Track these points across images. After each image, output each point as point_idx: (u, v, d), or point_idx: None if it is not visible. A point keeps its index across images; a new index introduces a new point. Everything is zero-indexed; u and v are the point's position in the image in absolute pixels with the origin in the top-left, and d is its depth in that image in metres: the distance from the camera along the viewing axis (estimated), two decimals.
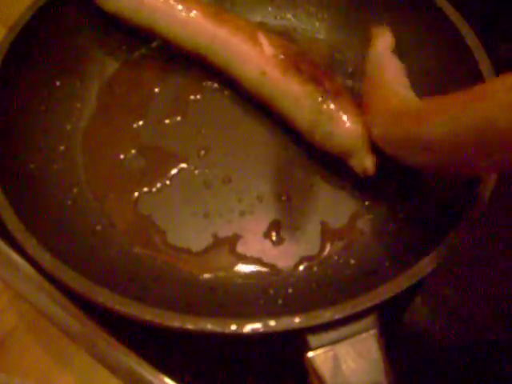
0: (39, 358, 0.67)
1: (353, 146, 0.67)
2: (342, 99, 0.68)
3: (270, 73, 0.71)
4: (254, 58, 0.72)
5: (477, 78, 0.68)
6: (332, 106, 0.67)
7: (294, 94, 0.69)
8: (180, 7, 0.76)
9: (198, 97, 0.81)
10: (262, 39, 0.72)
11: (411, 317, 0.73)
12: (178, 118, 0.79)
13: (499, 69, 0.69)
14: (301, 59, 0.72)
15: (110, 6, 0.80)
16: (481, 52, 0.70)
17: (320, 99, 0.68)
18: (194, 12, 0.76)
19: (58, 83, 0.78)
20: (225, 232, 0.68)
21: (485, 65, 0.68)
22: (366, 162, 0.66)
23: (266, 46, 0.71)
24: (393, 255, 0.63)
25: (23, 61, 0.74)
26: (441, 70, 0.75)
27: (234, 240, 0.68)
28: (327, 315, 0.50)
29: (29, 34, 0.74)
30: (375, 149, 0.66)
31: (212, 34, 0.75)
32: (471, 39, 0.71)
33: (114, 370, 0.62)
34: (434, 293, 0.73)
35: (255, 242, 0.68)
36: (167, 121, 0.78)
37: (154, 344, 0.65)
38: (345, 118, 0.67)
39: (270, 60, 0.71)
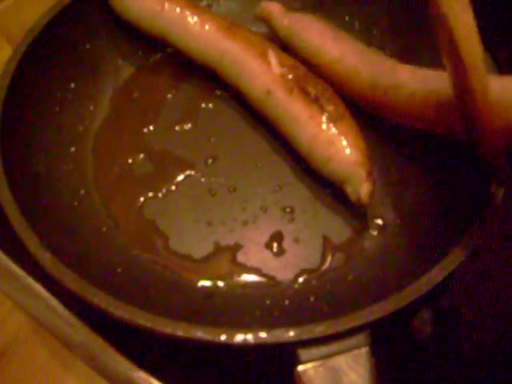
0: (41, 367, 0.68)
1: (349, 173, 0.66)
2: (344, 125, 0.68)
3: (274, 92, 0.71)
4: (261, 75, 0.73)
5: None
6: (332, 131, 0.67)
7: (296, 115, 0.70)
8: (195, 19, 0.78)
9: (210, 105, 0.82)
10: (272, 58, 0.72)
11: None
12: (189, 125, 0.80)
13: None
14: (308, 80, 0.72)
15: (128, 14, 0.81)
16: None
17: (321, 123, 0.68)
18: (208, 26, 0.77)
19: (72, 85, 0.80)
20: (226, 240, 0.69)
21: None
22: (360, 191, 0.65)
23: (275, 65, 0.72)
24: (392, 273, 0.63)
25: (40, 62, 0.75)
26: None
27: (235, 249, 0.68)
28: (319, 330, 0.50)
29: (46, 37, 0.76)
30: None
31: (223, 49, 0.76)
32: None
33: (113, 381, 0.62)
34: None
35: (256, 252, 0.68)
36: (177, 127, 0.79)
37: (153, 355, 0.65)
38: (344, 144, 0.67)
39: (276, 79, 0.72)
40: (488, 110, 0.51)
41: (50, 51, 0.77)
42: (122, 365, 0.62)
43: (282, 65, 0.72)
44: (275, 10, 0.83)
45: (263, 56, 0.73)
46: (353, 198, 0.66)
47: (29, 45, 0.73)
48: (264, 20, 0.85)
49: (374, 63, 0.73)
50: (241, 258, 0.68)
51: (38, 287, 0.66)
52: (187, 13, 0.78)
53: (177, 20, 0.78)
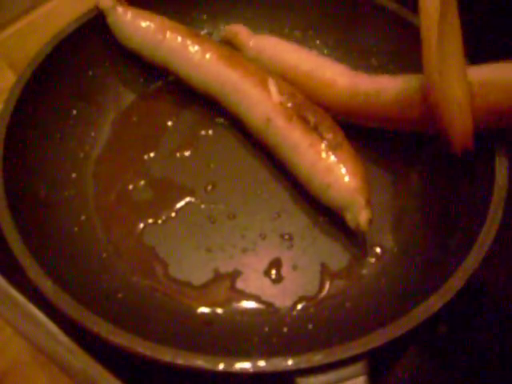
0: None
1: (348, 200, 0.67)
2: (343, 152, 0.69)
3: (274, 120, 0.73)
4: (261, 103, 0.74)
5: None
6: (331, 159, 0.69)
7: (295, 143, 0.71)
8: (196, 48, 0.79)
9: (210, 132, 0.83)
10: (272, 86, 0.74)
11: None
12: (189, 152, 0.81)
13: None
14: (307, 108, 0.73)
15: (130, 43, 0.82)
16: None
17: (320, 151, 0.69)
18: (209, 55, 0.79)
19: (74, 112, 0.81)
20: (226, 267, 0.69)
21: None
22: (359, 219, 0.66)
23: (274, 93, 0.73)
24: (390, 301, 0.64)
25: (43, 90, 0.77)
26: None
27: (234, 275, 0.69)
28: (317, 359, 0.51)
29: (50, 65, 0.77)
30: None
31: (223, 77, 0.77)
32: None
33: None
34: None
35: (255, 279, 0.69)
36: (178, 154, 0.80)
37: (152, 381, 0.66)
38: (343, 171, 0.68)
39: (276, 107, 0.73)
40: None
41: (53, 79, 0.78)
42: None
43: (281, 93, 0.74)
44: (241, 32, 0.86)
45: (263, 84, 0.75)
46: (352, 224, 0.67)
47: (32, 72, 0.75)
48: (231, 42, 0.87)
49: (349, 72, 0.76)
50: (240, 284, 0.68)
51: (39, 313, 0.66)
52: (188, 42, 0.79)
53: (178, 49, 0.79)
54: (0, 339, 0.68)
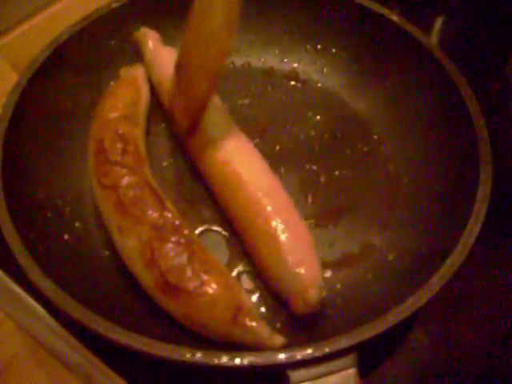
0: None
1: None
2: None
3: None
4: None
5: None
6: None
7: None
8: None
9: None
10: None
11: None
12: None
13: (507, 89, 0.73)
14: None
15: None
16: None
17: None
18: None
19: (74, 117, 0.83)
20: None
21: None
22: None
23: None
24: (377, 298, 0.66)
25: (42, 94, 0.79)
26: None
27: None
28: (308, 352, 0.53)
29: (48, 70, 0.79)
30: None
31: None
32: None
33: None
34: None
35: None
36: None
37: (149, 375, 0.67)
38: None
39: None
40: None
41: (51, 85, 0.81)
42: None
43: None
44: (151, 37, 0.89)
45: None
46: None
47: (32, 76, 0.77)
48: (138, 44, 0.90)
49: None
50: None
51: (39, 308, 0.68)
52: None
53: None
54: (2, 332, 0.70)
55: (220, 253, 0.73)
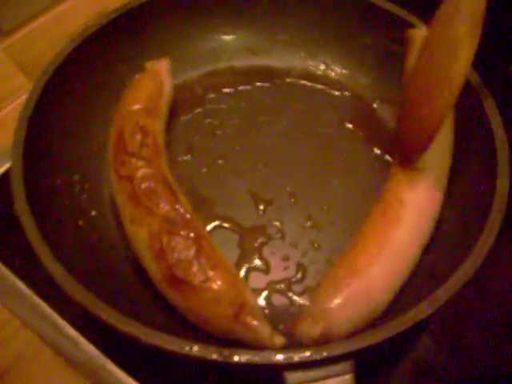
0: None
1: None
2: None
3: None
4: None
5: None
6: None
7: None
8: None
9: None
10: None
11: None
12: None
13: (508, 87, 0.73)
14: None
15: None
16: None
17: None
18: None
19: (99, 103, 0.85)
20: None
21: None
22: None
23: None
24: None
25: (67, 83, 0.80)
26: None
27: None
28: (306, 355, 0.53)
29: (75, 58, 0.80)
30: None
31: None
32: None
33: None
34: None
35: None
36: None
37: (156, 372, 0.68)
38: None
39: None
40: None
41: (77, 73, 0.82)
42: (124, 382, 0.65)
43: None
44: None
45: None
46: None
47: (59, 64, 0.78)
48: None
49: None
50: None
51: (45, 306, 0.70)
52: None
53: None
54: (7, 332, 0.71)
55: (230, 250, 0.74)
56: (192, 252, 0.62)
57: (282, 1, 0.93)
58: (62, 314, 0.69)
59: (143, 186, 0.68)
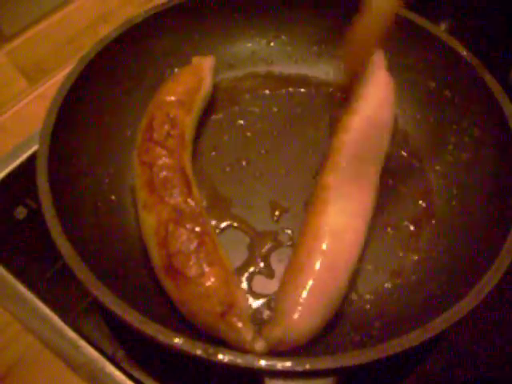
0: None
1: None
2: None
3: None
4: None
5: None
6: None
7: None
8: None
9: None
10: None
11: None
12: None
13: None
14: None
15: None
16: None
17: None
18: None
19: (126, 92, 0.87)
20: None
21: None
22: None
23: None
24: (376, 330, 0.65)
25: (102, 72, 0.82)
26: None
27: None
28: (287, 365, 0.52)
29: (111, 48, 0.82)
30: None
31: None
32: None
33: None
34: None
35: None
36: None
37: (155, 375, 0.69)
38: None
39: None
40: None
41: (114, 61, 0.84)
42: None
43: None
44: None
45: None
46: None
47: (98, 53, 0.80)
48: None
49: None
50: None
51: (45, 309, 0.71)
52: None
53: None
54: (7, 334, 0.72)
55: (239, 251, 0.75)
56: (193, 245, 0.63)
57: (329, 15, 0.93)
58: (63, 317, 0.71)
59: (161, 174, 0.70)
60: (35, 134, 0.84)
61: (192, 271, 0.61)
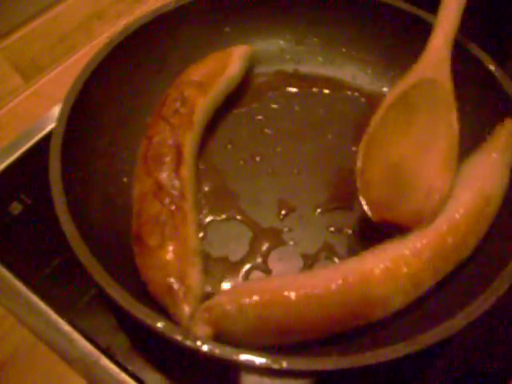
0: (38, 382, 0.70)
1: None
2: None
3: None
4: None
5: None
6: None
7: None
8: None
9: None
10: None
11: None
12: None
13: None
14: None
15: None
16: None
17: None
18: None
19: (147, 78, 0.87)
20: None
21: None
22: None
23: None
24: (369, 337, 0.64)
25: (124, 60, 0.83)
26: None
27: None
28: (264, 362, 0.52)
29: (134, 35, 0.83)
30: None
31: None
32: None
33: None
34: None
35: None
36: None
37: (151, 369, 0.68)
38: None
39: None
40: None
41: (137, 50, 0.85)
42: (118, 378, 0.67)
43: None
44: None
45: None
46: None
47: (122, 40, 0.82)
48: None
49: None
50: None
51: (40, 303, 0.72)
52: None
53: None
54: (2, 328, 0.72)
55: (240, 245, 0.74)
56: (162, 218, 0.65)
57: (359, 19, 0.92)
58: (57, 310, 0.72)
59: (156, 148, 0.72)
60: (30, 130, 0.89)
61: (152, 241, 0.63)
